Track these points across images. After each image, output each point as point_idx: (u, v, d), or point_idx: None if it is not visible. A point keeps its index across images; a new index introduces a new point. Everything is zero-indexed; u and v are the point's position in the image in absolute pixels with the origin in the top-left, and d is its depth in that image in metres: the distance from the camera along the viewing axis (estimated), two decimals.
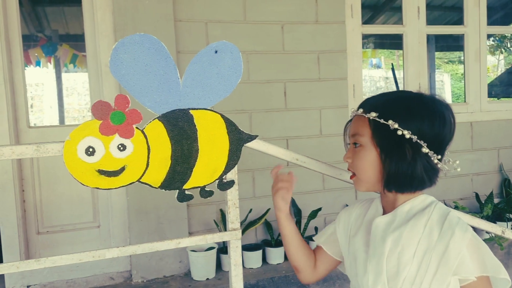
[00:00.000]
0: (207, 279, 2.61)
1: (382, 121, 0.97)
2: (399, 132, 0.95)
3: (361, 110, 1.00)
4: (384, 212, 1.04)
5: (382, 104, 0.99)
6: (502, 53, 15.90)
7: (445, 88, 14.94)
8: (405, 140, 0.95)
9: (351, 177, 1.05)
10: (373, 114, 0.98)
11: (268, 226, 2.84)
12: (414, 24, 3.19)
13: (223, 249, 2.75)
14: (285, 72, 2.92)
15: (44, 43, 5.19)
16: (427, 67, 8.41)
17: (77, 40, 5.71)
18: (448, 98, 14.44)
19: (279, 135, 2.91)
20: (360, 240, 1.04)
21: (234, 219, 1.13)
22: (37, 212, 2.65)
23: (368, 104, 1.01)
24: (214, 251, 2.65)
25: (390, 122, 0.96)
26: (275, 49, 2.91)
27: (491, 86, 10.72)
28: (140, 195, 2.61)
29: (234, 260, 1.12)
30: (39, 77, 7.95)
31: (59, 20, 5.31)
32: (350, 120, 1.05)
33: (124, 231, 2.70)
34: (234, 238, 1.12)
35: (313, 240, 1.24)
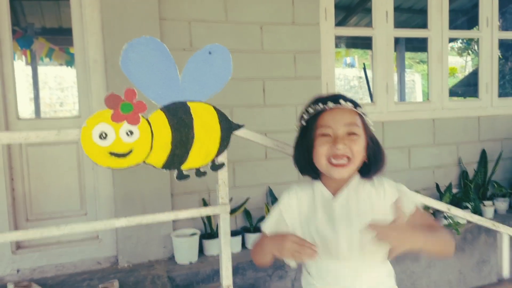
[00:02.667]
0: (190, 263, 2.79)
1: (365, 116, 1.22)
2: (371, 124, 1.21)
3: (350, 104, 1.18)
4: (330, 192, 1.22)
5: (356, 103, 1.21)
6: (469, 54, 16.62)
7: (415, 87, 15.48)
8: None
9: (344, 165, 1.15)
10: (362, 110, 1.21)
11: (247, 214, 3.04)
12: (383, 27, 3.44)
13: (205, 235, 2.93)
14: (264, 70, 3.12)
15: (19, 36, 5.21)
16: (398, 67, 8.71)
17: (54, 34, 5.73)
18: (419, 96, 14.99)
19: (258, 129, 3.05)
20: (321, 220, 1.19)
21: (224, 195, 1.33)
22: (26, 200, 2.77)
23: (346, 100, 1.19)
24: (197, 237, 2.83)
25: (368, 118, 1.21)
26: (255, 48, 3.10)
27: (459, 85, 11.24)
28: (126, 184, 2.76)
29: (224, 230, 1.32)
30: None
31: (35, 13, 5.32)
32: (322, 111, 1.18)
33: (110, 218, 2.84)
34: (224, 211, 1.32)
35: None
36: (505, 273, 1.81)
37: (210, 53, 1.28)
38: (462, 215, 1.71)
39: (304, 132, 1.22)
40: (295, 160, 1.26)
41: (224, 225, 1.32)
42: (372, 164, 1.21)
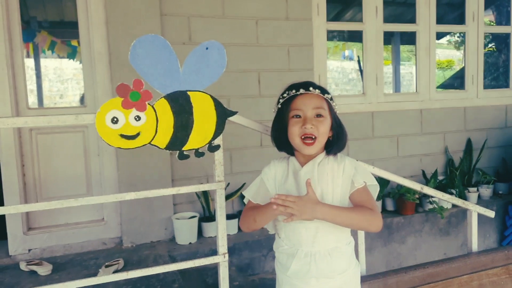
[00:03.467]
0: (190, 243, 2.99)
1: (331, 101, 1.41)
2: (337, 108, 1.38)
3: (317, 91, 1.39)
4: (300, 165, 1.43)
5: (324, 89, 1.41)
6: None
7: (413, 79, 15.61)
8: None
9: (311, 143, 1.35)
10: (329, 96, 1.41)
11: (243, 198, 3.22)
12: (372, 21, 3.61)
13: (203, 218, 3.13)
14: (259, 63, 3.30)
15: (22, 29, 5.34)
16: (393, 59, 8.81)
17: (56, 27, 5.87)
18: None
19: (254, 118, 3.24)
20: (290, 185, 1.41)
21: (219, 173, 1.51)
22: (36, 185, 2.95)
23: (317, 87, 1.39)
24: (196, 219, 3.03)
25: (334, 103, 1.40)
26: (250, 42, 3.27)
27: (454, 77, 11.41)
28: (130, 170, 2.95)
29: (219, 204, 1.50)
30: None
31: (38, 7, 5.46)
32: (295, 96, 1.39)
33: (115, 202, 3.03)
34: (220, 187, 1.51)
35: None
36: (474, 247, 2.00)
37: (207, 48, 1.46)
38: (434, 193, 1.90)
39: (280, 114, 1.42)
40: (273, 138, 1.46)
41: (220, 200, 1.51)
42: (335, 142, 1.41)
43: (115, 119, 1.35)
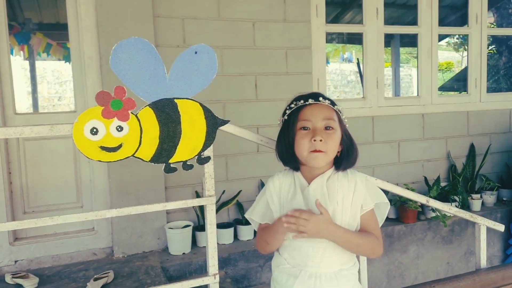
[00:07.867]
0: (183, 253, 2.87)
1: (341, 114, 1.33)
2: (346, 122, 1.31)
3: (327, 101, 1.30)
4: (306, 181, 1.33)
5: (334, 101, 1.32)
6: (465, 49, 16.68)
7: (413, 82, 15.54)
8: None
9: (318, 151, 1.23)
10: (338, 107, 1.32)
11: (239, 206, 3.12)
12: (373, 23, 3.50)
13: (198, 227, 3.01)
14: (256, 66, 3.18)
15: (17, 31, 5.25)
16: (393, 62, 8.73)
17: (51, 29, 5.77)
18: (415, 91, 15.09)
19: (250, 124, 3.17)
20: (298, 203, 1.29)
21: (210, 187, 1.40)
22: (23, 193, 2.84)
23: (325, 98, 1.30)
24: (190, 228, 2.91)
25: (344, 116, 1.32)
26: (247, 45, 3.16)
27: (454, 80, 11.31)
28: (121, 177, 2.83)
29: (210, 220, 1.39)
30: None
31: (33, 8, 5.36)
32: (303, 107, 1.28)
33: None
34: (210, 203, 1.39)
35: None
36: (483, 263, 1.89)
37: (196, 52, 1.34)
38: (440, 207, 1.79)
39: (286, 126, 1.31)
40: (278, 153, 1.35)
41: (210, 216, 1.40)
42: (345, 157, 1.31)
43: (94, 130, 1.24)
